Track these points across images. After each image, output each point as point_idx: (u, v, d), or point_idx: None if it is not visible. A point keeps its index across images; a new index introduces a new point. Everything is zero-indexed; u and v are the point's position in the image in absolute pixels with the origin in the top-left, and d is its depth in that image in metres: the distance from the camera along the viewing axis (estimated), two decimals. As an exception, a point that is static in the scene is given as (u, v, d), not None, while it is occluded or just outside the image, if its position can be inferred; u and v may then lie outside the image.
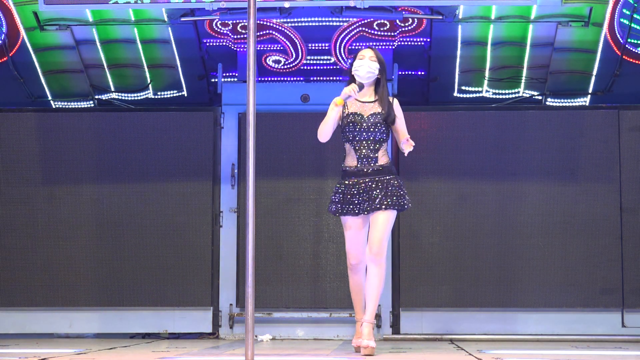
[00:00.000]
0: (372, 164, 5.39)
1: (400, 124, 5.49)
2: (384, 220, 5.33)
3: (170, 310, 7.02)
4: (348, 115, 5.43)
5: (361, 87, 5.40)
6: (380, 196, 5.31)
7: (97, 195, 7.07)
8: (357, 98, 5.42)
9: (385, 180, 5.36)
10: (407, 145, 5.34)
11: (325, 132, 5.45)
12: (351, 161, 5.44)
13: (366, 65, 5.40)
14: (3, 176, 7.11)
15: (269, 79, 7.47)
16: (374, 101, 5.47)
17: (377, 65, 5.44)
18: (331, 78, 7.49)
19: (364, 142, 5.39)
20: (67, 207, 7.06)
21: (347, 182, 5.41)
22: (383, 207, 5.30)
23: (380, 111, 5.43)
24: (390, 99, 5.51)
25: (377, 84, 5.50)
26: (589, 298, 6.87)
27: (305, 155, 7.05)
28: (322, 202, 7.01)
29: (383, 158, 5.42)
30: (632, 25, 7.19)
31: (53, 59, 7.50)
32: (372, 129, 5.39)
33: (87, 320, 7.05)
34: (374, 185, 5.34)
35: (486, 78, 7.46)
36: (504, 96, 7.49)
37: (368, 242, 5.37)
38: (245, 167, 4.64)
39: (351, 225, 5.40)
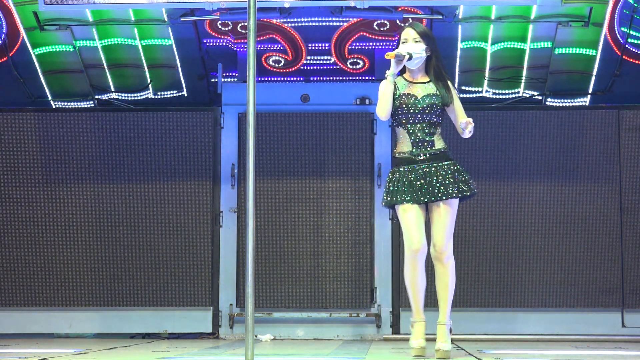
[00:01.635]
0: (428, 149, 5.04)
1: (458, 105, 5.14)
2: (446, 212, 5.03)
3: (170, 310, 7.02)
4: (400, 97, 5.06)
5: (410, 57, 5.02)
6: (442, 184, 5.01)
7: (97, 195, 7.07)
8: (410, 67, 5.08)
9: (445, 166, 5.04)
10: (466, 126, 4.99)
11: (383, 108, 5.01)
12: (405, 147, 5.07)
13: (411, 50, 5.02)
14: (3, 176, 7.11)
15: (269, 79, 7.48)
16: (428, 82, 5.12)
17: (423, 46, 5.04)
18: (331, 78, 7.49)
19: (419, 125, 5.04)
20: (67, 207, 7.07)
21: (402, 169, 5.04)
22: (445, 196, 4.99)
23: (435, 92, 5.07)
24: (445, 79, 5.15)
25: (428, 62, 5.12)
26: (589, 298, 6.87)
27: (305, 155, 7.05)
28: (322, 202, 7.01)
29: (439, 142, 5.08)
30: (632, 25, 7.18)
31: (53, 59, 7.50)
32: (427, 111, 5.03)
33: (87, 320, 7.05)
34: (432, 171, 5.02)
35: (486, 78, 7.46)
36: (504, 96, 7.49)
37: (432, 238, 5.07)
38: (245, 167, 4.63)
39: (412, 208, 5.00)
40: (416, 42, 5.06)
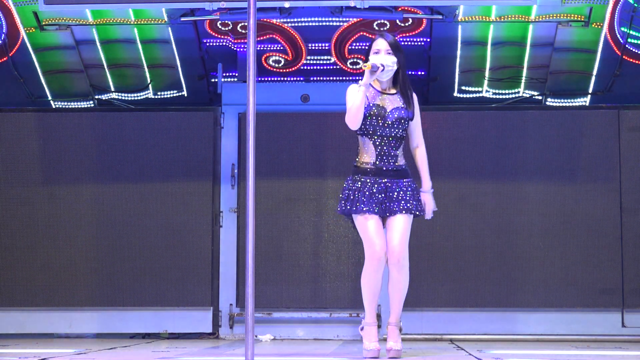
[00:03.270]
0: (391, 163, 5.08)
1: (416, 123, 5.20)
2: (404, 224, 5.07)
3: (170, 310, 7.02)
4: (370, 107, 5.05)
5: (383, 69, 5.02)
6: (403, 199, 5.06)
7: (97, 195, 7.07)
8: (380, 79, 5.09)
9: (405, 184, 5.10)
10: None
11: (356, 117, 4.99)
12: (369, 158, 5.08)
13: (384, 62, 5.03)
14: (3, 176, 7.11)
15: (269, 79, 7.48)
16: (395, 94, 5.15)
17: (395, 59, 5.06)
18: (331, 78, 7.49)
19: (386, 139, 5.06)
20: (67, 207, 7.06)
21: (364, 180, 5.06)
22: (404, 210, 5.04)
23: (403, 106, 5.10)
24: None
25: (395, 73, 5.14)
26: (589, 298, 6.87)
27: (305, 155, 7.05)
28: (322, 202, 7.01)
29: (401, 158, 5.13)
30: (632, 25, 7.19)
31: (53, 59, 7.50)
32: (395, 125, 5.06)
33: (87, 320, 7.05)
34: (394, 187, 5.07)
35: (486, 78, 7.46)
36: (504, 96, 7.49)
37: (388, 247, 5.09)
38: (245, 167, 4.64)
39: (371, 217, 5.03)
40: (388, 54, 5.09)
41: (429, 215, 5.23)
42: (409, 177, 5.16)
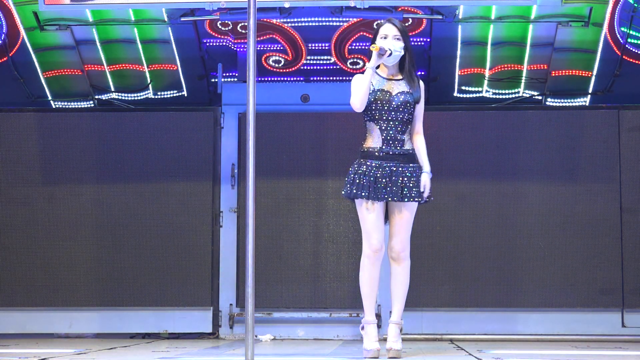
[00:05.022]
0: (398, 147, 5.09)
1: (420, 110, 5.20)
2: (407, 214, 5.10)
3: (170, 310, 7.02)
4: (375, 92, 5.09)
5: (390, 54, 5.07)
6: (406, 186, 5.05)
7: (97, 195, 7.07)
8: (386, 64, 5.13)
9: (411, 169, 5.10)
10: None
11: (361, 98, 5.03)
12: (375, 142, 5.10)
13: (392, 47, 5.07)
14: (3, 176, 7.11)
15: (269, 79, 7.48)
16: (401, 79, 5.18)
17: (402, 44, 5.11)
18: (331, 78, 7.49)
19: (392, 122, 5.09)
20: (67, 207, 7.06)
21: (369, 163, 5.08)
22: (407, 199, 5.04)
23: (408, 90, 5.14)
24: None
25: (402, 59, 5.17)
26: (589, 298, 6.87)
27: (305, 155, 7.05)
28: (322, 202, 7.01)
29: (408, 142, 5.14)
30: (632, 25, 7.19)
31: (53, 59, 7.50)
32: (401, 108, 5.09)
33: (87, 320, 7.05)
34: (399, 171, 5.06)
35: (486, 78, 7.46)
36: (504, 96, 7.49)
37: (390, 238, 5.13)
38: (245, 167, 4.63)
39: (374, 208, 5.07)
40: (396, 39, 5.13)
41: (426, 194, 5.16)
42: (416, 162, 5.16)
